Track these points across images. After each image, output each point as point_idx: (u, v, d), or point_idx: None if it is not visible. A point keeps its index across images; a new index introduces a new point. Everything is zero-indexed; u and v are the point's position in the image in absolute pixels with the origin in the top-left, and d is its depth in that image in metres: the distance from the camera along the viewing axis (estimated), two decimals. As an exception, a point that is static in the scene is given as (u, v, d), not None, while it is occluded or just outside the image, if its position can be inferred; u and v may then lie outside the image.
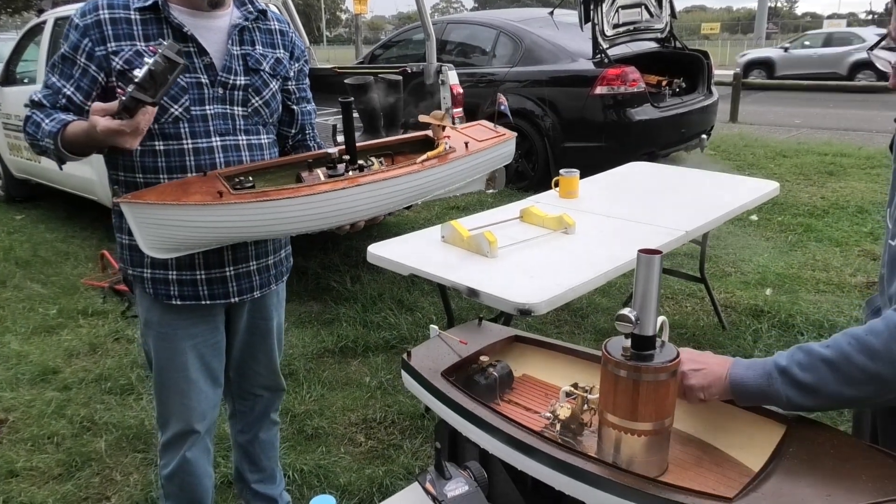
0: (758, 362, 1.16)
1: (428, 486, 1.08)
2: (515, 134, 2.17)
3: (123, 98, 1.38)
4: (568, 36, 6.64)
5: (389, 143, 2.08)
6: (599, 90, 5.98)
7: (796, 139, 8.29)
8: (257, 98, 1.82)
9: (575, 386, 1.31)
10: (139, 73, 1.36)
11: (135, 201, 1.53)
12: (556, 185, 3.45)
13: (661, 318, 1.18)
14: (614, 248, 2.69)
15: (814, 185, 6.34)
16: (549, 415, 1.31)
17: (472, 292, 2.37)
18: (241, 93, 1.79)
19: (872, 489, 0.96)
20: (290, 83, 1.93)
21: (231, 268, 1.84)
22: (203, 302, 1.84)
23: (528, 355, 1.50)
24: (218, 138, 1.76)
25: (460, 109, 4.94)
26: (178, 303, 1.82)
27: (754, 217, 5.57)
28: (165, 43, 1.50)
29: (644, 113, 6.05)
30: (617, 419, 1.15)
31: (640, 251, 1.13)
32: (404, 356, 1.40)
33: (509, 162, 2.17)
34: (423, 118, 2.00)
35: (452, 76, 4.79)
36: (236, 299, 1.88)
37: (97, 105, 1.48)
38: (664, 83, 6.53)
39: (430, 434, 2.92)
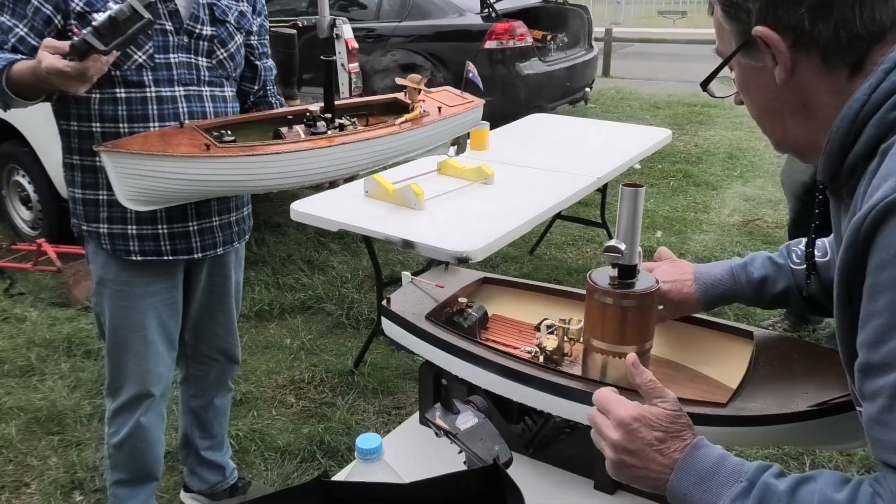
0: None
1: (438, 421, 1.11)
2: (483, 101, 2.19)
3: (75, 39, 1.27)
4: (454, -11, 6.63)
5: (359, 104, 2.11)
6: (489, 45, 6.04)
7: (665, 91, 8.80)
8: (222, 50, 1.79)
9: (552, 321, 1.38)
10: (99, 18, 1.25)
11: (118, 150, 1.45)
12: (468, 137, 3.50)
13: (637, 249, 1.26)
14: (535, 195, 2.79)
15: (687, 133, 6.78)
16: (530, 348, 1.38)
17: (408, 244, 2.39)
18: (206, 43, 1.75)
19: (842, 384, 1.09)
20: (252, 38, 1.89)
21: (195, 223, 1.80)
22: (165, 258, 1.78)
23: (495, 296, 1.55)
24: (181, 88, 1.71)
25: (356, 65, 4.85)
26: (139, 258, 1.76)
27: (637, 165, 5.88)
28: None
29: (532, 67, 6.18)
30: (605, 344, 1.22)
31: (624, 185, 1.19)
32: (383, 303, 1.41)
33: (476, 126, 2.18)
34: (399, 80, 2.02)
35: (347, 30, 4.68)
36: (199, 255, 1.83)
37: (48, 40, 1.39)
38: (548, 38, 6.70)
39: (362, 389, 2.94)
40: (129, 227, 1.74)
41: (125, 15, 1.27)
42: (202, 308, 2.01)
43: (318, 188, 1.88)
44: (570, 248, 4.40)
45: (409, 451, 1.37)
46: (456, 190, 2.84)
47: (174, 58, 1.69)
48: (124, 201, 1.54)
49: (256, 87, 1.98)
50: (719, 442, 0.94)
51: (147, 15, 1.30)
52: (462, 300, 1.44)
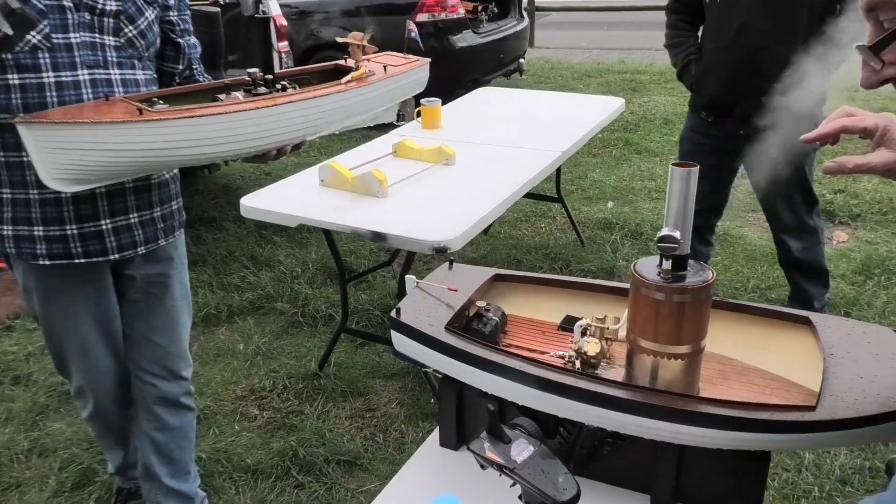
0: None
1: (490, 455, 0.94)
2: (429, 60, 2.11)
3: None
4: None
5: (299, 72, 1.99)
6: (420, 17, 5.81)
7: (593, 60, 8.78)
8: (131, 27, 1.58)
9: (584, 320, 1.23)
10: None
11: (38, 121, 1.27)
12: (419, 115, 3.31)
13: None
14: (502, 174, 2.64)
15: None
16: (562, 353, 1.23)
17: (378, 236, 2.20)
18: (111, 20, 1.54)
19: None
20: (171, 13, 1.70)
21: (108, 220, 1.64)
22: (76, 260, 1.63)
23: (509, 294, 1.39)
24: (86, 71, 1.52)
25: (286, 44, 4.55)
26: (47, 262, 1.61)
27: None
28: None
29: (466, 39, 6.01)
30: (657, 345, 1.09)
31: (674, 164, 1.05)
32: (392, 314, 1.23)
33: (423, 88, 2.13)
34: (340, 39, 1.95)
35: (274, 6, 4.37)
36: (116, 256, 1.68)
37: None
38: (479, 9, 6.52)
39: (330, 393, 2.74)
40: (35, 228, 1.58)
41: None
42: (137, 315, 1.83)
43: (263, 157, 1.71)
44: (525, 224, 4.28)
45: (436, 479, 1.20)
46: (418, 174, 2.64)
47: (75, 37, 1.50)
48: (50, 182, 1.39)
49: (181, 67, 1.82)
50: (810, 447, 0.82)
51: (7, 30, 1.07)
52: (480, 303, 1.27)
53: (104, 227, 1.64)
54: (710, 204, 2.80)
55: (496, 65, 6.45)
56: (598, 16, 12.38)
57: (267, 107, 1.60)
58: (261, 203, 2.44)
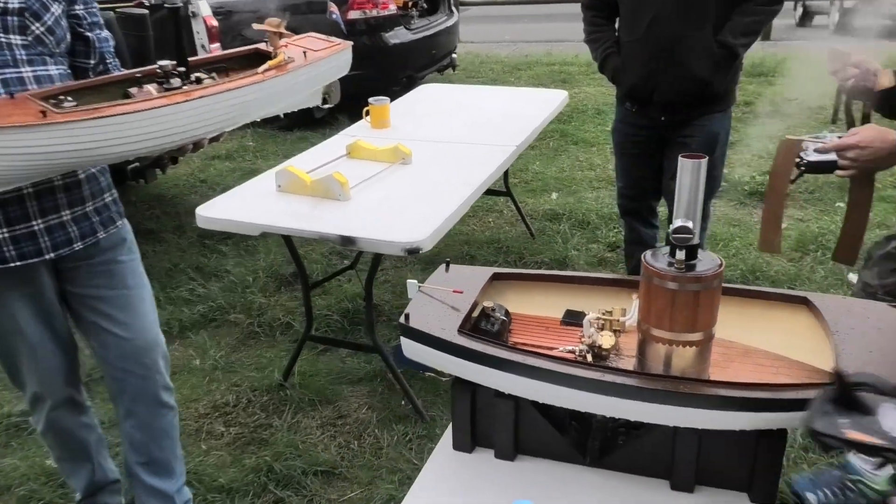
0: None
1: (855, 435, 0.75)
2: (351, 43, 2.08)
3: None
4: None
5: (218, 59, 1.94)
6: (352, 15, 5.73)
7: (520, 53, 8.89)
8: (37, 24, 1.56)
9: (593, 314, 1.24)
10: None
11: None
12: (367, 114, 3.26)
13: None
14: (461, 172, 2.63)
15: (551, 93, 6.87)
16: (571, 347, 1.24)
17: (347, 240, 2.16)
18: (16, 18, 1.53)
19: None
20: (76, 7, 1.66)
21: (39, 221, 1.62)
22: (11, 264, 1.61)
23: (508, 292, 1.39)
24: None
25: (217, 45, 4.40)
26: None
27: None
28: None
29: (398, 36, 5.96)
30: (671, 334, 1.11)
31: (683, 156, 1.07)
32: (401, 320, 1.21)
33: (346, 72, 2.07)
34: (257, 26, 1.89)
35: (204, 7, 4.22)
36: (52, 255, 1.66)
37: None
38: (410, 4, 6.49)
39: (298, 403, 2.67)
40: None
41: None
42: (93, 310, 1.79)
43: (180, 150, 1.73)
44: (472, 219, 4.29)
45: (459, 484, 1.19)
46: (377, 175, 2.61)
47: None
48: None
49: (94, 62, 1.78)
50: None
51: None
52: (486, 304, 1.26)
53: (36, 228, 1.62)
54: (647, 188, 2.89)
55: (429, 61, 6.43)
56: (518, 9, 12.54)
57: (179, 102, 1.55)
58: (217, 213, 2.36)
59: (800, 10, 10.42)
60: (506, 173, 3.95)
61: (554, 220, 4.17)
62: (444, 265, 1.39)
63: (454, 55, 6.81)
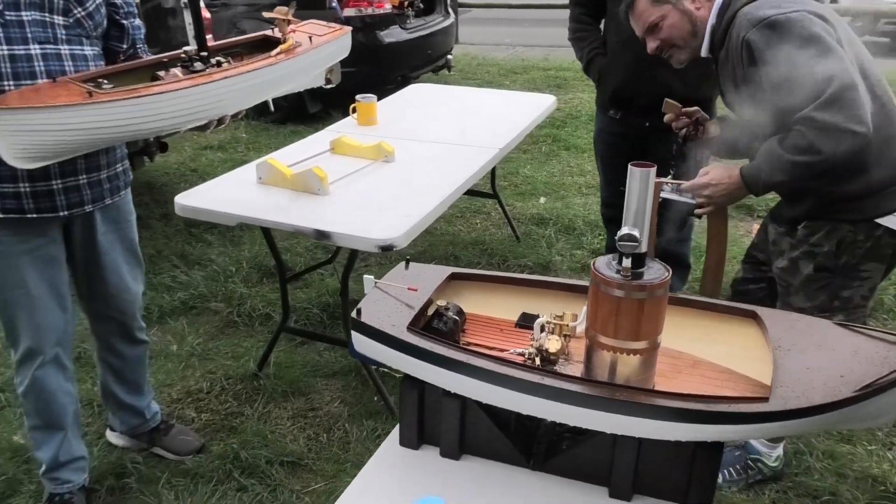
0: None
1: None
2: (351, 28, 2.33)
3: None
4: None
5: (230, 45, 2.19)
6: (347, 12, 5.74)
7: (518, 56, 8.91)
8: (80, 9, 1.76)
9: (544, 318, 1.26)
10: None
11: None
12: (354, 111, 3.28)
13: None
14: (442, 171, 2.65)
15: (547, 98, 6.89)
16: (521, 350, 1.25)
17: (322, 235, 2.18)
18: (61, 2, 1.72)
19: (874, 361, 1.05)
20: None
21: (59, 181, 1.80)
22: (28, 215, 1.79)
23: (466, 292, 1.41)
24: (37, 46, 1.69)
25: (210, 37, 4.40)
26: (1, 216, 1.76)
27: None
28: None
29: (393, 35, 5.97)
30: (616, 341, 1.13)
31: (633, 164, 1.09)
32: (353, 315, 1.22)
33: (346, 55, 2.35)
34: (267, 14, 2.11)
35: (199, -3, 4.22)
36: (65, 213, 1.84)
37: None
38: (405, 4, 6.49)
39: (270, 393, 2.69)
40: None
41: None
42: (88, 265, 2.01)
43: (205, 127, 1.94)
44: (460, 220, 4.31)
45: (402, 479, 1.20)
46: (358, 171, 2.62)
47: (26, 15, 1.68)
48: (12, 160, 1.54)
49: (125, 46, 1.98)
50: (765, 436, 0.87)
51: None
52: (440, 303, 1.28)
53: (55, 187, 1.79)
54: None
55: (424, 61, 6.45)
56: (519, 13, 12.55)
57: (205, 83, 1.79)
58: (196, 202, 2.37)
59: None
60: (493, 176, 3.97)
61: (540, 225, 4.19)
62: (404, 262, 1.40)
63: (450, 56, 6.82)
